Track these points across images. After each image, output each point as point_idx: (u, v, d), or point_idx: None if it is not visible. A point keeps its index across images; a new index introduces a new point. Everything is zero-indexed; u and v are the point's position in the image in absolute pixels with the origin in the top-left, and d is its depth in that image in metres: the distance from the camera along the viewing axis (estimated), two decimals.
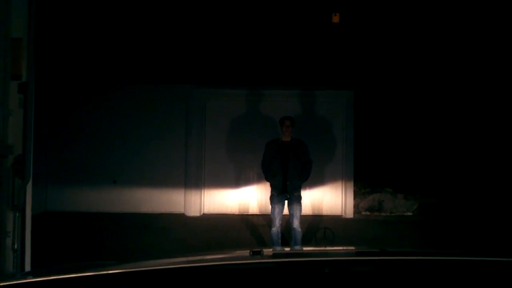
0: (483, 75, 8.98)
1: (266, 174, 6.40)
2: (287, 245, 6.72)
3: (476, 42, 8.87)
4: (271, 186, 6.38)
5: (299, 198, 6.28)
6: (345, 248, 3.81)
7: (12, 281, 2.29)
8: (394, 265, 2.35)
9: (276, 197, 6.28)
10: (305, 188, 7.45)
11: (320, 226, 7.78)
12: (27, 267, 4.03)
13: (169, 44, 9.10)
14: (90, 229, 8.03)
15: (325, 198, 9.26)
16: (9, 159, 3.94)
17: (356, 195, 9.25)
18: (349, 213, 9.16)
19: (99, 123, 9.37)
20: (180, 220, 8.78)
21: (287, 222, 6.60)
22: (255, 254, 2.49)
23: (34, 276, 2.47)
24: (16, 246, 3.92)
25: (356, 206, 9.27)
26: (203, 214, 9.27)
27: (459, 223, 8.55)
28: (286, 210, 6.39)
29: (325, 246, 5.77)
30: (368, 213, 9.30)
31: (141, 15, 8.85)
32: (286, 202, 6.33)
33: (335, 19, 8.44)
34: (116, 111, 9.37)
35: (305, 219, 7.34)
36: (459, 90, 9.06)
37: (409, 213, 9.30)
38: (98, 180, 9.26)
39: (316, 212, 9.15)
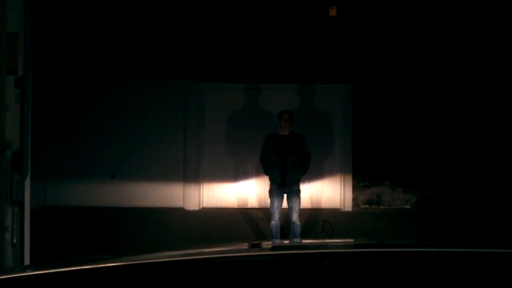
0: (480, 70, 8.96)
1: (265, 168, 6.40)
2: (286, 238, 6.73)
3: (475, 36, 8.86)
4: (270, 180, 6.38)
5: (298, 192, 6.28)
6: (344, 240, 3.81)
7: (11, 275, 2.29)
8: (393, 257, 2.35)
9: (275, 190, 6.29)
10: (304, 181, 7.45)
11: (319, 219, 7.79)
12: (26, 261, 4.04)
13: (167, 40, 9.07)
14: (89, 224, 8.04)
15: (324, 192, 9.28)
16: (7, 154, 3.94)
17: (354, 188, 9.27)
18: (348, 206, 9.18)
19: (98, 118, 9.36)
20: (179, 214, 8.79)
21: (286, 215, 6.61)
22: (254, 246, 2.49)
23: (33, 270, 2.47)
24: (15, 241, 3.92)
25: (354, 199, 9.29)
26: (202, 208, 9.28)
27: (457, 216, 8.57)
28: (285, 204, 6.41)
29: (324, 239, 5.78)
30: (366, 206, 9.32)
31: (139, 10, 8.82)
32: (285, 195, 6.34)
33: (333, 12, 8.42)
34: (114, 106, 9.36)
35: (304, 212, 7.36)
36: (457, 84, 9.06)
37: (408, 206, 9.32)
38: (97, 175, 9.27)
39: (315, 206, 9.17)
